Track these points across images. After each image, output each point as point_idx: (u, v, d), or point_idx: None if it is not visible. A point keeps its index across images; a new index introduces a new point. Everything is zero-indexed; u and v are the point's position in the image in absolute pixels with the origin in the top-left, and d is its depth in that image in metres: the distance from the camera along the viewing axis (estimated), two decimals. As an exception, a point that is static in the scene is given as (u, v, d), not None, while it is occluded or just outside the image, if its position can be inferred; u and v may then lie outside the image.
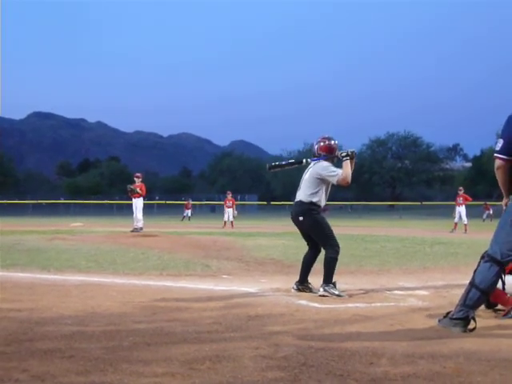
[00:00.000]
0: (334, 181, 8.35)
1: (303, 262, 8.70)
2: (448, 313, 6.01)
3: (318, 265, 8.47)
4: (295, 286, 8.56)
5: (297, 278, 8.61)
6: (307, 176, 8.60)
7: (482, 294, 5.93)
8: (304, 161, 8.80)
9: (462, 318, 5.84)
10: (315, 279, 8.44)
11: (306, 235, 8.72)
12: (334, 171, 8.34)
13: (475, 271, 6.06)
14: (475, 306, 5.93)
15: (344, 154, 8.42)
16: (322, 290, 8.16)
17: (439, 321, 6.05)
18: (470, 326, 5.80)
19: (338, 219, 40.80)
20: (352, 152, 8.50)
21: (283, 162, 9.16)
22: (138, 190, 24.42)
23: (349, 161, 8.38)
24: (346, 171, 8.31)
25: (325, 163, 8.48)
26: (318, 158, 8.61)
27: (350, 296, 8.11)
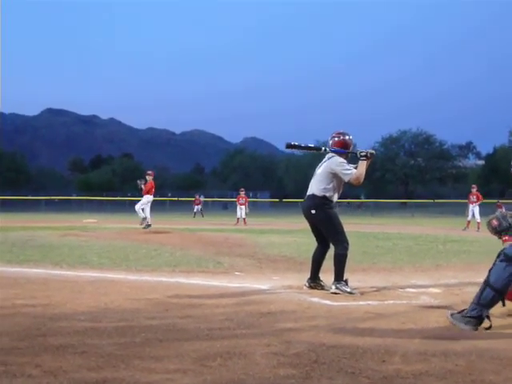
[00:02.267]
0: (346, 179, 8.33)
1: (313, 259, 8.69)
2: (462, 310, 6.00)
3: (329, 262, 8.47)
4: (307, 284, 8.56)
5: (309, 275, 8.61)
6: (321, 170, 8.57)
7: (496, 294, 5.89)
8: (323, 149, 8.73)
9: (475, 317, 5.82)
10: (327, 276, 8.44)
11: (316, 230, 8.70)
12: (349, 169, 8.30)
13: (490, 270, 6.03)
14: (489, 305, 5.90)
15: (363, 154, 8.37)
16: (333, 287, 8.16)
17: (451, 315, 6.04)
18: (485, 325, 5.78)
19: (350, 217, 40.75)
20: (371, 154, 8.47)
21: (302, 144, 9.03)
22: (141, 186, 24.35)
23: (365, 161, 8.38)
24: (360, 171, 8.29)
25: (340, 159, 8.44)
26: (336, 150, 8.58)
27: (362, 293, 8.10)
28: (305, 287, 8.52)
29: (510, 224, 6.51)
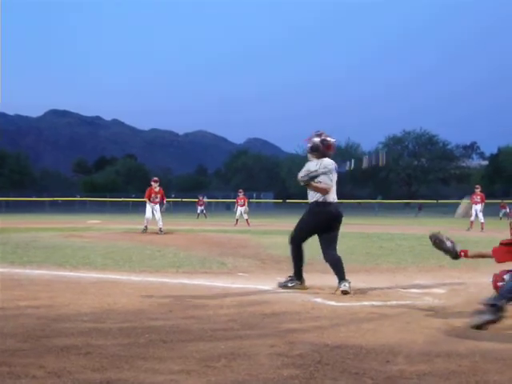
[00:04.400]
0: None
1: (302, 257, 8.73)
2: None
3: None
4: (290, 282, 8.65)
5: (313, 275, 8.63)
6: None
7: None
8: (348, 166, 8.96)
9: (491, 304, 5.79)
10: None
11: (317, 233, 8.69)
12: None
13: None
14: (508, 296, 5.88)
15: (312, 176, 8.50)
16: (342, 285, 8.14)
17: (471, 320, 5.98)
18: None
19: (354, 217, 40.64)
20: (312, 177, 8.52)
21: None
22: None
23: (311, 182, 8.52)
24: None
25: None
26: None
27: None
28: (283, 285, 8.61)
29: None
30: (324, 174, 8.38)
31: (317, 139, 8.63)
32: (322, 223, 8.53)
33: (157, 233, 21.70)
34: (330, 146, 8.68)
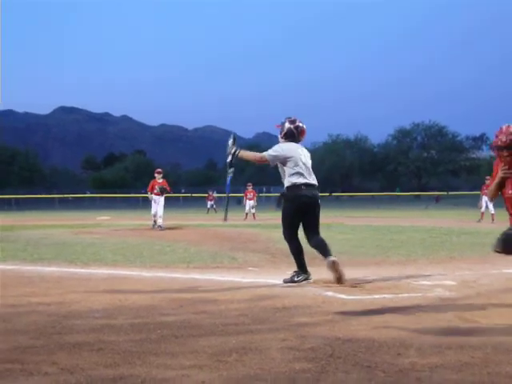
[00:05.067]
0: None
1: (301, 250, 8.73)
2: None
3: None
4: (311, 279, 8.60)
5: (320, 269, 8.59)
6: (309, 161, 8.75)
7: None
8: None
9: None
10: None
11: (301, 220, 8.69)
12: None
13: None
14: None
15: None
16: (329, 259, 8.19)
17: None
18: None
19: (362, 210, 40.64)
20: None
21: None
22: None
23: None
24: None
25: None
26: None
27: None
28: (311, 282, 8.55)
29: None
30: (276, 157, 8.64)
31: (290, 125, 8.73)
32: (298, 207, 8.56)
33: (159, 228, 21.71)
34: (303, 132, 8.84)
